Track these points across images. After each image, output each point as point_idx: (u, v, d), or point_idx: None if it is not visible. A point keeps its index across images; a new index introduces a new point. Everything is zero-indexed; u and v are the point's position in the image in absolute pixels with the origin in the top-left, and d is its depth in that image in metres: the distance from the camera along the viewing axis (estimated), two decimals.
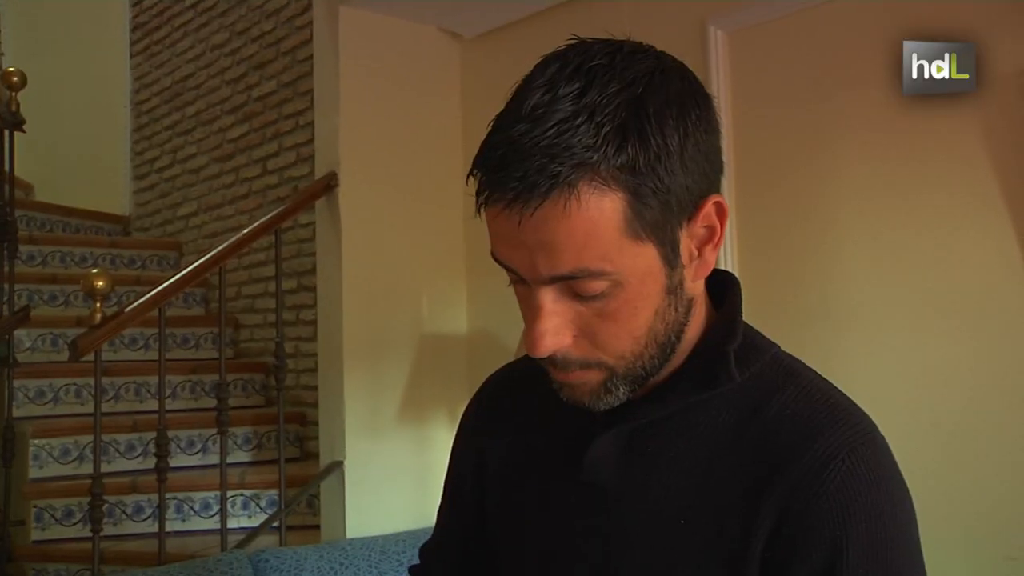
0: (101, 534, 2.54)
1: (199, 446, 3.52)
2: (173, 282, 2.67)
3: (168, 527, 2.76)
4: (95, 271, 2.60)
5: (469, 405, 1.07)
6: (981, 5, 1.94)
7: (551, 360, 0.80)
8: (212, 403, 2.86)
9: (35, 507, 3.17)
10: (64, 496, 3.18)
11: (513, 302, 0.83)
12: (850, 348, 2.18)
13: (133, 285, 4.10)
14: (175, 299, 3.82)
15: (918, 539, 0.81)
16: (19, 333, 3.55)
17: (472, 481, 1.01)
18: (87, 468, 3.16)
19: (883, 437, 0.82)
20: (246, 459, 3.56)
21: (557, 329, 0.78)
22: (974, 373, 1.99)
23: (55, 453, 3.32)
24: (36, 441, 3.29)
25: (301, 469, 3.33)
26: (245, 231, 2.82)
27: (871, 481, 0.78)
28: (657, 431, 0.85)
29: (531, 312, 0.78)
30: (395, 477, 2.87)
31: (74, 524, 3.17)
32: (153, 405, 3.31)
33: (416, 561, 1.13)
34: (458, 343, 3.09)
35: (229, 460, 2.90)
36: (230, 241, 2.79)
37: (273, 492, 3.13)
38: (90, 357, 2.52)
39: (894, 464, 0.81)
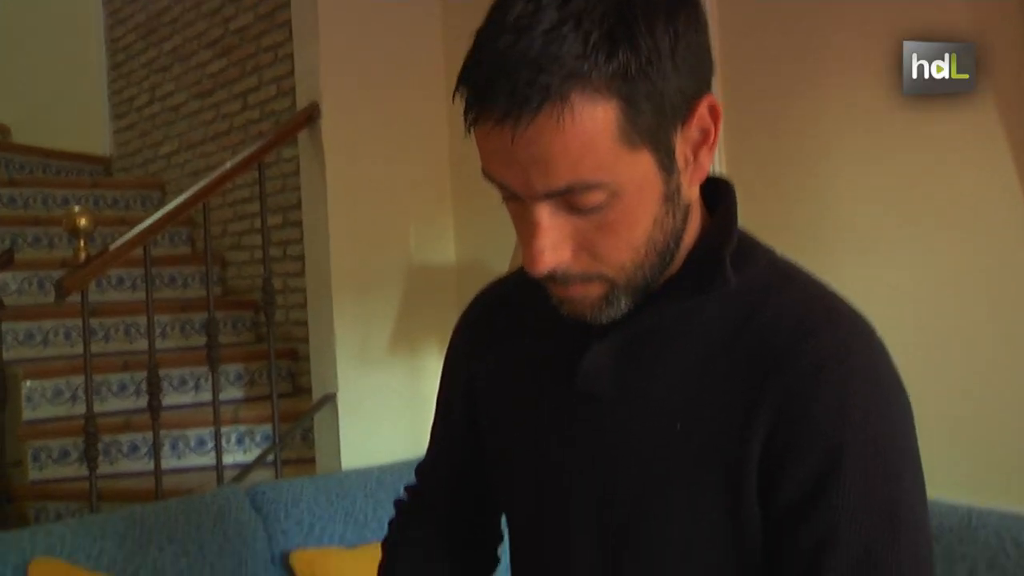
0: (97, 472, 2.55)
1: (191, 384, 3.52)
2: (157, 219, 2.64)
3: (164, 464, 2.77)
4: (77, 209, 2.57)
5: (459, 322, 1.05)
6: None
7: (551, 276, 0.79)
8: (202, 341, 2.85)
9: (31, 448, 3.19)
10: (59, 436, 3.20)
11: (501, 230, 0.81)
12: (843, 265, 2.17)
13: (117, 226, 4.05)
14: (161, 238, 3.80)
15: (915, 440, 0.80)
16: (4, 276, 3.53)
17: (465, 397, 1.01)
18: (80, 408, 3.15)
19: (880, 339, 0.81)
20: (239, 395, 3.57)
21: (556, 245, 0.76)
22: (970, 288, 2.00)
23: (48, 394, 3.32)
24: (28, 383, 3.29)
25: (294, 404, 3.34)
26: (227, 165, 2.79)
27: (867, 381, 0.77)
28: (652, 338, 0.84)
29: (527, 229, 0.77)
30: (388, 408, 2.88)
31: (71, 463, 3.18)
32: (143, 345, 3.30)
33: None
34: (447, 273, 3.08)
35: (222, 397, 2.91)
36: (213, 176, 2.75)
37: (267, 427, 3.14)
38: (77, 297, 2.51)
39: (891, 365, 0.81)
